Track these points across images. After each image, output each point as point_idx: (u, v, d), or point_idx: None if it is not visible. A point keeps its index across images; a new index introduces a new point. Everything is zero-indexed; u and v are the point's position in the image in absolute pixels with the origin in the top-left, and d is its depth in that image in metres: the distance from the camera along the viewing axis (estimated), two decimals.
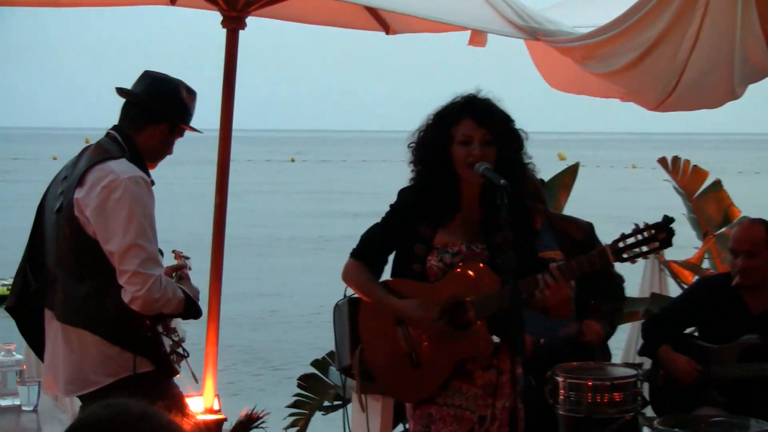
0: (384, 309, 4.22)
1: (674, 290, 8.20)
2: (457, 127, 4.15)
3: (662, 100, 5.66)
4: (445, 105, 4.23)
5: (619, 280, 5.68)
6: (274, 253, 24.09)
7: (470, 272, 4.15)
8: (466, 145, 4.13)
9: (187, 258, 4.99)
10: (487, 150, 4.12)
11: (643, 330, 5.59)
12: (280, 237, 27.41)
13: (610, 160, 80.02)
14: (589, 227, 5.61)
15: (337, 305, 4.55)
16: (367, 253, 4.28)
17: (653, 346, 5.46)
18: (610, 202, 37.78)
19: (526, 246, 4.19)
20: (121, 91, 4.65)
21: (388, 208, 4.30)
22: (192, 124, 4.72)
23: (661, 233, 3.99)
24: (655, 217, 4.04)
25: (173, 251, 5.01)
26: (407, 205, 4.24)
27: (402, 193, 4.29)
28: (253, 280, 20.22)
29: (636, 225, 4.02)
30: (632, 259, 4.01)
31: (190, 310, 4.51)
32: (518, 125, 4.22)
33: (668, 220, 3.99)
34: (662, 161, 8.60)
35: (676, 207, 8.49)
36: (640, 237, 3.99)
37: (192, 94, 4.69)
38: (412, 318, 4.16)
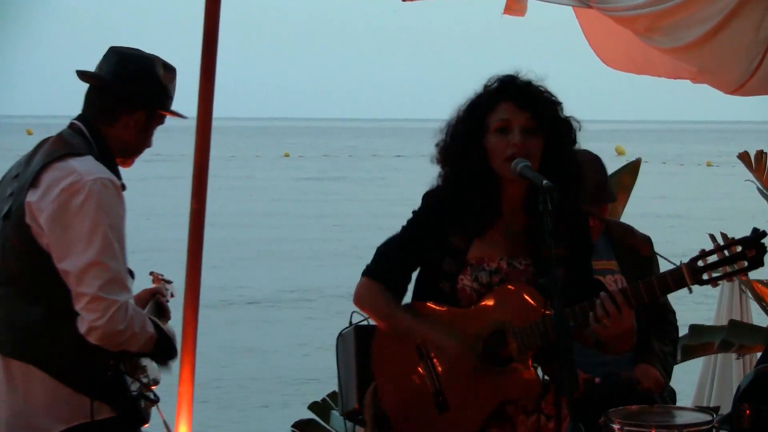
0: (409, 336, 4.21)
1: (758, 316, 8.16)
2: (492, 114, 4.16)
3: (743, 81, 5.65)
4: (478, 91, 4.25)
5: (673, 317, 5.68)
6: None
7: (512, 295, 4.15)
8: (504, 133, 4.13)
9: (169, 282, 4.97)
10: (531, 140, 4.12)
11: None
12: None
13: (679, 155, 79.89)
14: (648, 241, 5.61)
15: (341, 335, 4.54)
16: (385, 270, 4.28)
17: None
18: (680, 207, 37.70)
19: (579, 263, 4.19)
20: (82, 75, 4.60)
21: (410, 215, 4.30)
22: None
23: (750, 250, 3.99)
24: (738, 228, 4.03)
25: (151, 273, 4.99)
26: (435, 212, 4.24)
27: (428, 196, 4.29)
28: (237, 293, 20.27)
29: (721, 239, 4.03)
30: (714, 282, 4.02)
31: (163, 349, 4.50)
32: (568, 112, 4.23)
33: (759, 235, 4.00)
34: (744, 157, 8.56)
35: (761, 213, 8.45)
36: (724, 254, 3.99)
37: (170, 71, 4.65)
38: (445, 351, 4.15)
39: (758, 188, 8.61)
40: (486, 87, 4.23)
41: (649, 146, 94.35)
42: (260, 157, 73.35)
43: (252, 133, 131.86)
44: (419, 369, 4.22)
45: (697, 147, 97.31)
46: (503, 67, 4.27)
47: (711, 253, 4.02)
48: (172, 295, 4.88)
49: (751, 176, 8.56)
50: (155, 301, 4.76)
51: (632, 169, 8.11)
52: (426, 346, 4.21)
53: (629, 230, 5.68)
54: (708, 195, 43.59)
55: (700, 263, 4.01)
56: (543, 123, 4.14)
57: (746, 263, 4.01)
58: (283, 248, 26.83)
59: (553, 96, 4.21)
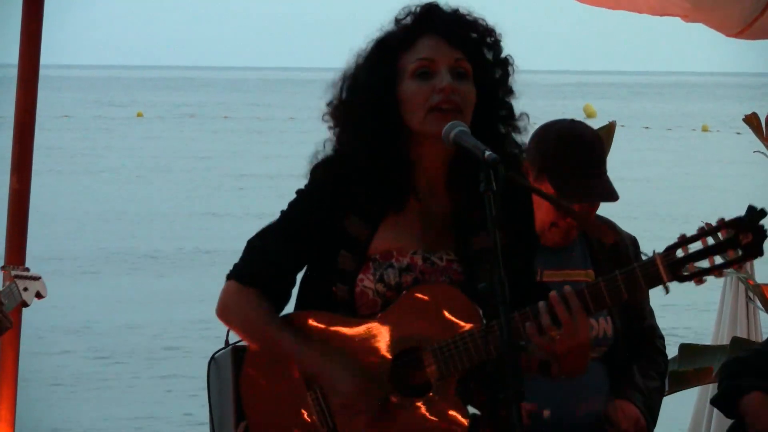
0: (290, 361, 4.22)
1: None
2: (408, 54, 4.16)
3: (751, 20, 5.71)
4: (388, 26, 4.24)
5: (662, 344, 5.74)
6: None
7: (430, 300, 4.16)
8: (426, 78, 4.13)
9: (35, 278, 4.98)
10: (464, 87, 4.12)
11: (721, 372, 5.68)
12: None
13: (667, 117, 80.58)
14: (629, 239, 5.63)
15: (213, 359, 4.52)
16: (261, 271, 4.27)
17: (735, 393, 5.53)
18: (666, 190, 38.04)
19: (519, 259, 4.22)
20: None
21: (294, 196, 4.29)
22: None
23: (745, 234, 4.01)
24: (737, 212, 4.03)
25: (3, 268, 4.99)
26: (328, 189, 4.24)
27: (318, 170, 4.29)
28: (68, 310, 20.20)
29: (705, 224, 4.04)
30: (698, 278, 4.03)
31: None
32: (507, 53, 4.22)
33: (757, 214, 4.00)
34: (752, 120, 8.64)
35: None
36: (710, 241, 4.02)
37: None
38: (338, 389, 4.15)
39: None
40: (398, 20, 4.22)
41: (626, 105, 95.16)
42: (102, 118, 72.83)
43: (93, 86, 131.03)
44: (305, 401, 4.23)
45: (691, 107, 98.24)
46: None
47: (694, 239, 4.01)
48: (25, 304, 4.87)
49: (761, 145, 8.60)
50: None
51: (605, 135, 8.17)
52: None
53: (603, 221, 5.67)
54: (708, 177, 43.92)
55: (680, 253, 4.01)
56: (480, 66, 4.14)
57: (740, 252, 4.00)
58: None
59: (493, 31, 4.21)
